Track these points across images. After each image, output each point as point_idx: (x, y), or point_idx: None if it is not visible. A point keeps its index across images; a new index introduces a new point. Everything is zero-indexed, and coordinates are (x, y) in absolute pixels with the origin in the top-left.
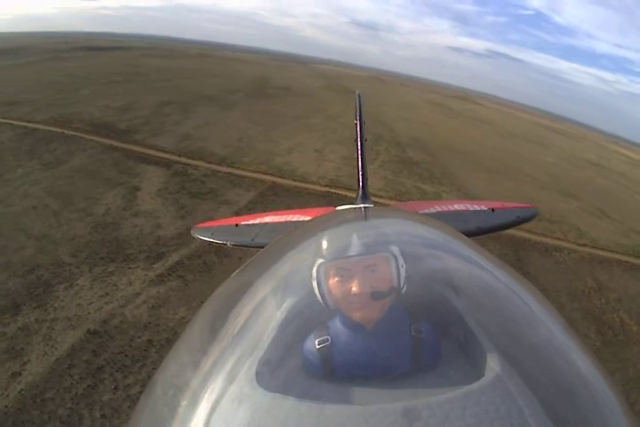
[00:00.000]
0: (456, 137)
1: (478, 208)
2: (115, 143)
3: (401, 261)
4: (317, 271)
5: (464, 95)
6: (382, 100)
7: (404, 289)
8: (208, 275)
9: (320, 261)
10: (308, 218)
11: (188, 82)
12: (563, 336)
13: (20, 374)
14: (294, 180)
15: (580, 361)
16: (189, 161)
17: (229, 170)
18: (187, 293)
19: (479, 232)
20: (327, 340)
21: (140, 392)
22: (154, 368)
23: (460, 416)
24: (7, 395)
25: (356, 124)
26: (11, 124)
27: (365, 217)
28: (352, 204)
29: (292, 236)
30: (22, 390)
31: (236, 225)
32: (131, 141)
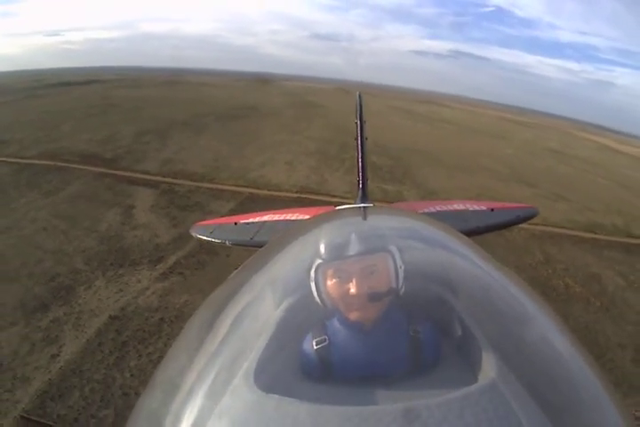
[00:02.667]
0: (418, 140)
1: (477, 208)
2: (104, 170)
3: (399, 262)
4: (316, 272)
5: (428, 99)
6: (347, 111)
7: (403, 290)
8: (202, 270)
9: (319, 261)
10: (307, 217)
11: (160, 110)
12: (559, 336)
13: (58, 355)
14: (269, 190)
15: (577, 361)
16: (174, 180)
17: (210, 185)
18: (186, 284)
19: (478, 232)
20: (325, 340)
21: (160, 358)
22: (169, 339)
23: (459, 416)
24: (49, 371)
25: (356, 123)
26: (4, 161)
27: (364, 217)
28: (352, 203)
29: (291, 235)
30: (62, 366)
31: (235, 223)
32: (118, 168)
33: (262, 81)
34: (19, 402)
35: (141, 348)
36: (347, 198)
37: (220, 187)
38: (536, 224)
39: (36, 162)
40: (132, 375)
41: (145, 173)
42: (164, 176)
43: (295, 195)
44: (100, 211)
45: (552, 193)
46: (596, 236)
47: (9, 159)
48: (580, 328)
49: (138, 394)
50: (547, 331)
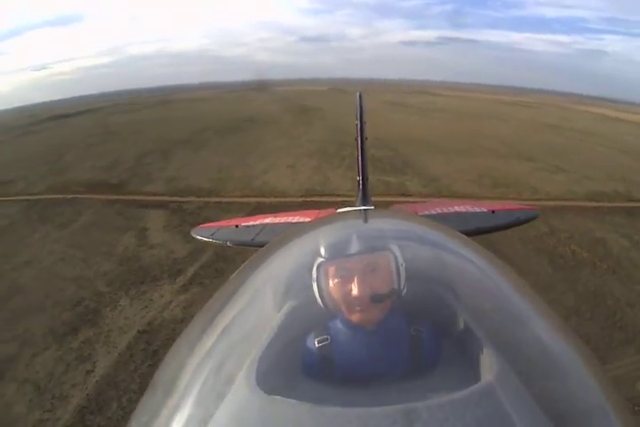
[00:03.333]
0: (414, 130)
1: (478, 210)
2: (112, 197)
3: (401, 262)
4: (317, 272)
5: (421, 89)
6: (343, 111)
7: (404, 290)
8: (221, 277)
9: (320, 261)
10: (307, 220)
11: (158, 131)
12: (561, 337)
13: (92, 371)
14: (275, 196)
15: (578, 361)
16: (181, 199)
17: (217, 199)
18: (208, 293)
19: (479, 233)
20: (327, 340)
21: None
22: None
23: (461, 416)
24: (86, 387)
25: (356, 124)
26: (12, 200)
27: (365, 219)
28: (353, 206)
29: (292, 237)
30: (97, 380)
31: (236, 226)
32: (126, 193)
33: (256, 89)
34: (59, 419)
35: None
36: (350, 197)
37: (226, 200)
38: (538, 200)
39: (45, 197)
40: None
41: (152, 195)
42: (171, 195)
43: (301, 199)
44: (115, 236)
45: (550, 165)
46: (598, 204)
47: (18, 198)
48: (588, 292)
49: None
50: (548, 331)
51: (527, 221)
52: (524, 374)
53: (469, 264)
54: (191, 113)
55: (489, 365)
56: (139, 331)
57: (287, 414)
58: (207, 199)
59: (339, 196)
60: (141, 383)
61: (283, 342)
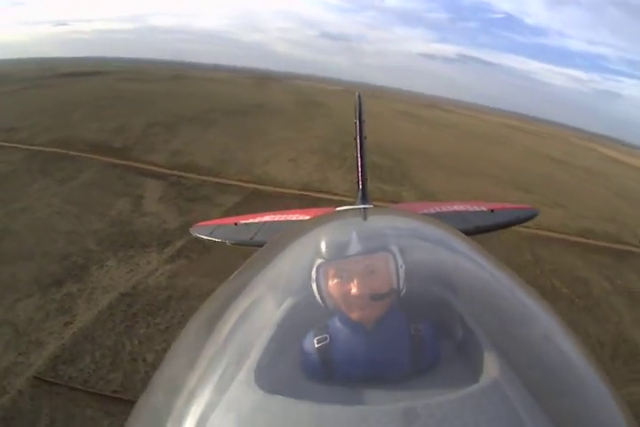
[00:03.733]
0: (419, 142)
1: (478, 209)
2: (115, 161)
3: (400, 262)
4: (317, 271)
5: (433, 103)
6: (351, 112)
7: (404, 289)
8: (208, 254)
9: (319, 260)
10: (307, 218)
11: (168, 104)
12: (561, 336)
13: (71, 322)
14: (273, 186)
15: (577, 361)
16: (182, 173)
17: (217, 179)
18: (193, 267)
19: (478, 232)
20: (326, 339)
21: (167, 328)
22: (175, 312)
23: (460, 416)
24: (63, 337)
25: (355, 124)
26: (16, 147)
27: (365, 217)
28: (352, 204)
29: (291, 235)
30: (75, 332)
31: (235, 224)
32: (128, 158)
33: (269, 79)
34: (32, 365)
35: (150, 319)
36: (347, 197)
37: (225, 182)
38: (528, 227)
39: (48, 149)
40: (140, 343)
41: (154, 165)
42: (172, 168)
43: (298, 192)
44: (111, 199)
45: (549, 200)
46: (587, 240)
47: (21, 146)
48: None
49: (145, 361)
50: (548, 331)
51: (526, 219)
52: (522, 374)
53: (469, 263)
54: (202, 92)
55: (488, 364)
56: (121, 293)
57: (287, 414)
58: (207, 178)
59: (335, 194)
60: (116, 341)
61: (282, 340)
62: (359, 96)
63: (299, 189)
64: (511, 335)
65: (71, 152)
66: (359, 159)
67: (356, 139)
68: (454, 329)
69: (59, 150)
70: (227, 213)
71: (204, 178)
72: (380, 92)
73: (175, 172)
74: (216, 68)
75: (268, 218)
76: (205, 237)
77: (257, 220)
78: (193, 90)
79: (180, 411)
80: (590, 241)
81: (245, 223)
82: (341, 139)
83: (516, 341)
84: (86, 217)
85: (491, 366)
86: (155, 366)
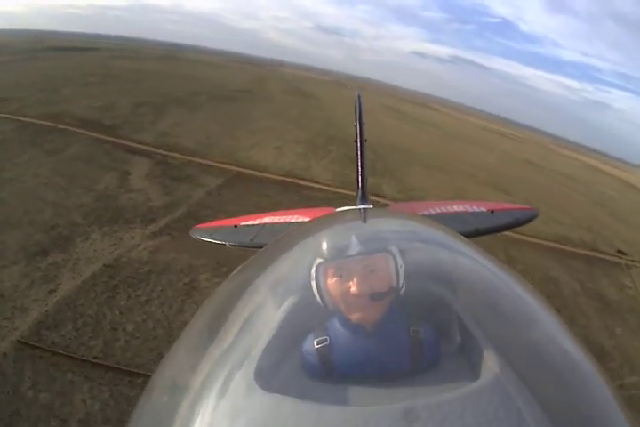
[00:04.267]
0: (402, 139)
1: (477, 210)
2: (103, 137)
3: (400, 262)
4: (316, 272)
5: (421, 101)
6: (341, 104)
7: (403, 290)
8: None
9: (319, 261)
10: (306, 219)
11: (157, 84)
12: (561, 336)
13: (55, 290)
14: (256, 170)
15: (577, 361)
16: (168, 153)
17: (201, 161)
18: (174, 244)
19: (478, 233)
20: (326, 340)
21: (147, 300)
22: (155, 286)
23: (460, 417)
24: (46, 304)
25: (355, 125)
26: (7, 117)
27: (364, 218)
28: (351, 205)
29: (291, 236)
30: (58, 300)
31: (235, 226)
32: (116, 136)
33: (260, 65)
34: (17, 329)
35: (131, 291)
36: (328, 186)
37: (210, 163)
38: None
39: (37, 122)
40: (120, 313)
41: (141, 143)
42: (158, 148)
43: (281, 178)
44: (98, 174)
45: (525, 201)
46: (561, 246)
47: (11, 116)
48: None
49: (125, 330)
50: (548, 331)
51: (527, 221)
52: (522, 374)
53: (468, 263)
54: (192, 74)
55: (488, 365)
56: (104, 264)
57: (287, 414)
58: (192, 159)
59: (317, 183)
60: (97, 311)
61: (282, 341)
62: (359, 97)
63: (281, 176)
64: (511, 336)
65: (60, 126)
66: (359, 161)
67: (356, 141)
68: (454, 330)
69: (48, 123)
70: (209, 194)
71: (189, 158)
72: (368, 86)
73: (161, 151)
74: (207, 51)
75: (267, 219)
76: (205, 240)
77: (257, 221)
78: (183, 71)
79: (180, 411)
80: (564, 247)
81: (245, 225)
82: (328, 132)
83: (516, 341)
84: (73, 190)
85: (490, 367)
86: (134, 335)
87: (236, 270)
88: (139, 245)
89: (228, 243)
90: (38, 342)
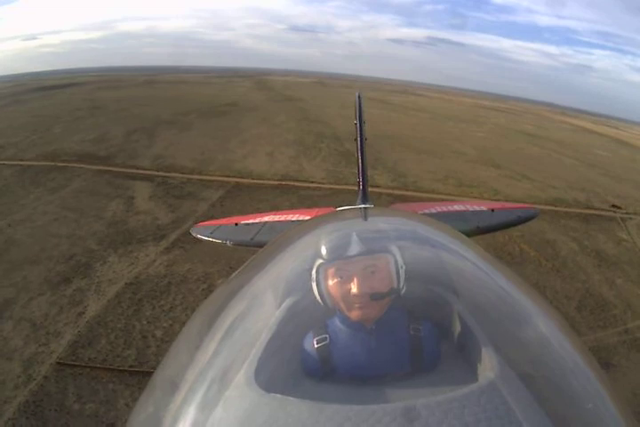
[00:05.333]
0: (390, 127)
1: (478, 209)
2: (101, 168)
3: (400, 262)
4: (317, 271)
5: (404, 89)
6: (324, 103)
7: (404, 289)
8: (200, 244)
9: (319, 260)
10: (307, 218)
11: (144, 110)
12: (561, 336)
13: (83, 313)
14: (252, 178)
15: (578, 361)
16: (166, 174)
17: (199, 177)
18: (187, 256)
19: (479, 232)
20: (326, 339)
21: (171, 308)
22: (177, 295)
23: (460, 416)
24: (78, 325)
25: (355, 124)
26: (4, 164)
27: (365, 217)
28: (352, 204)
29: (292, 235)
30: (88, 321)
31: (236, 224)
32: (114, 165)
33: (242, 76)
34: (53, 352)
35: (155, 302)
36: (323, 184)
37: (208, 178)
38: (497, 200)
39: (36, 163)
40: (148, 322)
41: (139, 169)
42: (157, 170)
43: (277, 182)
44: (104, 202)
45: (517, 173)
46: (556, 208)
47: (9, 162)
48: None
49: (155, 337)
50: (547, 330)
51: (527, 219)
52: (522, 373)
53: (468, 263)
54: (176, 94)
55: (488, 363)
56: (126, 283)
57: (287, 413)
58: (190, 176)
59: (312, 182)
60: (127, 324)
61: (282, 340)
62: (359, 97)
63: (277, 180)
64: (511, 335)
65: (59, 163)
66: (360, 159)
67: (356, 139)
68: (454, 329)
69: (47, 163)
70: (213, 206)
71: (187, 176)
72: (351, 82)
73: (160, 173)
74: (188, 69)
75: (268, 218)
76: (206, 238)
77: (257, 220)
78: (167, 93)
79: (180, 410)
80: (559, 208)
81: (246, 224)
82: (315, 130)
83: (516, 340)
84: (83, 221)
85: (490, 366)
86: (164, 340)
87: (236, 270)
88: (154, 261)
89: (228, 242)
90: (76, 360)
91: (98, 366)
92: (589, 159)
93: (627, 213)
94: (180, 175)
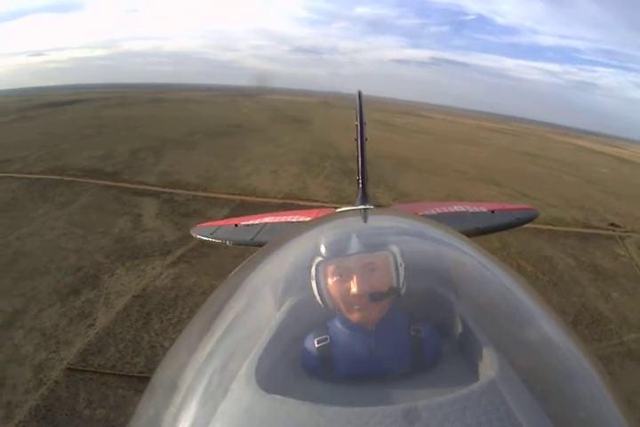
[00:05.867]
0: (392, 148)
1: (478, 210)
2: (108, 183)
3: (400, 262)
4: (316, 271)
5: (408, 109)
6: (329, 124)
7: (404, 289)
8: (206, 259)
9: (319, 260)
10: (307, 219)
11: (150, 129)
12: (561, 336)
13: (93, 324)
14: (257, 196)
15: (578, 361)
16: (172, 191)
17: (205, 194)
18: (193, 269)
19: (479, 233)
20: (326, 339)
21: (179, 321)
22: (184, 308)
23: (461, 417)
24: (88, 336)
25: (356, 125)
26: (12, 176)
27: (365, 218)
28: (352, 204)
29: (291, 235)
30: (98, 332)
31: (236, 225)
32: (121, 181)
33: (246, 95)
34: (64, 359)
35: (162, 315)
36: (326, 202)
37: (213, 195)
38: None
39: (44, 176)
40: (156, 334)
41: (146, 185)
42: (163, 187)
43: (281, 200)
44: (111, 219)
45: (516, 191)
46: (554, 227)
47: (16, 175)
48: None
49: (163, 346)
50: (548, 331)
51: (527, 221)
52: (523, 374)
53: (469, 264)
54: (182, 113)
55: (488, 364)
56: (134, 295)
57: (287, 414)
58: (196, 193)
59: (315, 201)
60: (135, 335)
61: (282, 341)
62: (359, 95)
63: (281, 198)
64: (512, 335)
65: (66, 178)
66: (360, 160)
67: (356, 140)
68: (454, 329)
69: (55, 177)
70: None
71: (193, 193)
72: (354, 102)
73: (166, 189)
74: (193, 88)
75: (268, 219)
76: (206, 238)
77: (257, 221)
78: (172, 112)
79: (180, 411)
80: (557, 228)
81: (246, 224)
82: (319, 150)
83: (517, 341)
84: (91, 237)
85: (491, 366)
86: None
87: (235, 270)
88: (161, 273)
89: (228, 242)
90: (86, 366)
91: (107, 371)
92: (589, 176)
93: (625, 232)
94: (186, 192)
